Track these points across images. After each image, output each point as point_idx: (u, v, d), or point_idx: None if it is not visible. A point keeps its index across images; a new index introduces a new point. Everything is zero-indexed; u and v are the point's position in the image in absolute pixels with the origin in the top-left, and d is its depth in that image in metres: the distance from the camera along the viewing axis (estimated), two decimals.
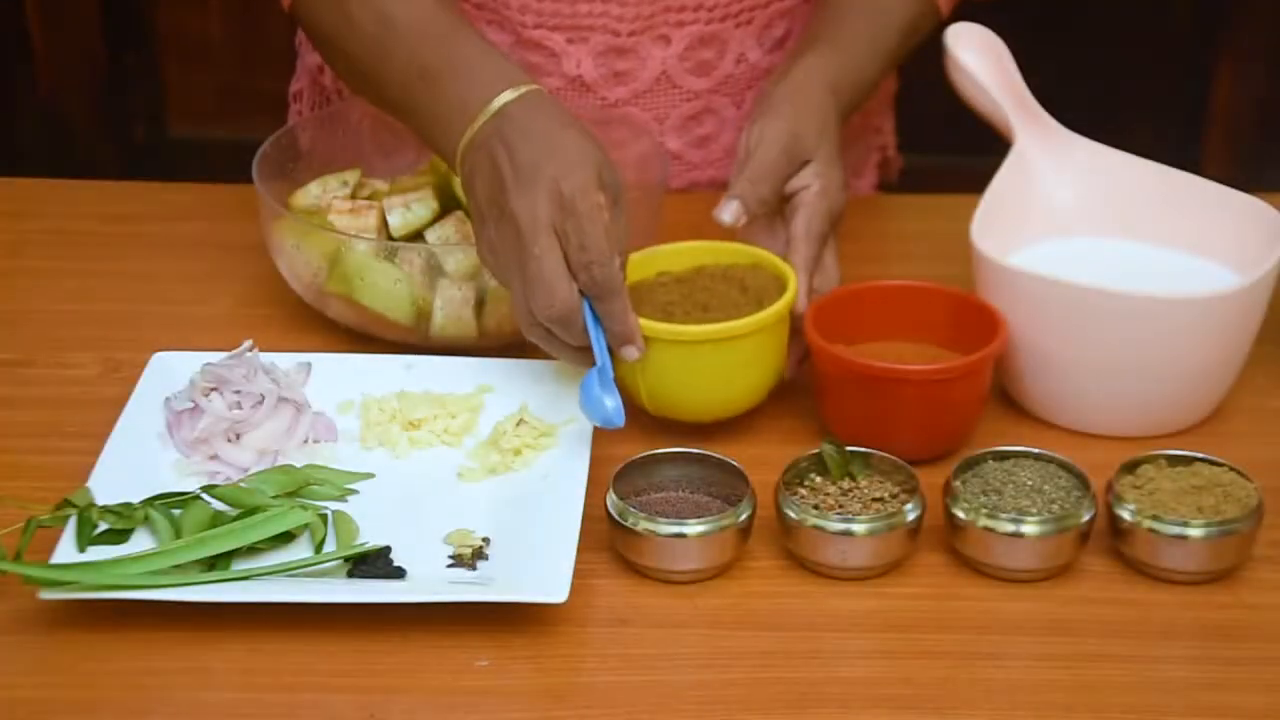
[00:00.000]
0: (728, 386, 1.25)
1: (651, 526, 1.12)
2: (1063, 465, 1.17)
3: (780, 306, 1.24)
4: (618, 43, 1.47)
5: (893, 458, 1.17)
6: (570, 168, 1.18)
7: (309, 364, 1.29)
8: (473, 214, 1.24)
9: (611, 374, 1.20)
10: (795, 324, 1.27)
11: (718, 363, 1.23)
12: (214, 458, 1.22)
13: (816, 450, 1.18)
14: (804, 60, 1.36)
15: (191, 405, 1.22)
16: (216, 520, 1.14)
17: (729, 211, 1.28)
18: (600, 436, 1.23)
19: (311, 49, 1.62)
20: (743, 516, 1.13)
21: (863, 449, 1.18)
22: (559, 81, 1.49)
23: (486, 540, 1.15)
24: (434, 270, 1.32)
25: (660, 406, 1.26)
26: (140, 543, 1.13)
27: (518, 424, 1.23)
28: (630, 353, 1.21)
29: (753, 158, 1.30)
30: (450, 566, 1.13)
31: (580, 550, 1.11)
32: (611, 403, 1.20)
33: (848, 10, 1.42)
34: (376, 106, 1.38)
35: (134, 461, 1.20)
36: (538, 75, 1.48)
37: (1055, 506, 1.14)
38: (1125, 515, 1.14)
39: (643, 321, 1.22)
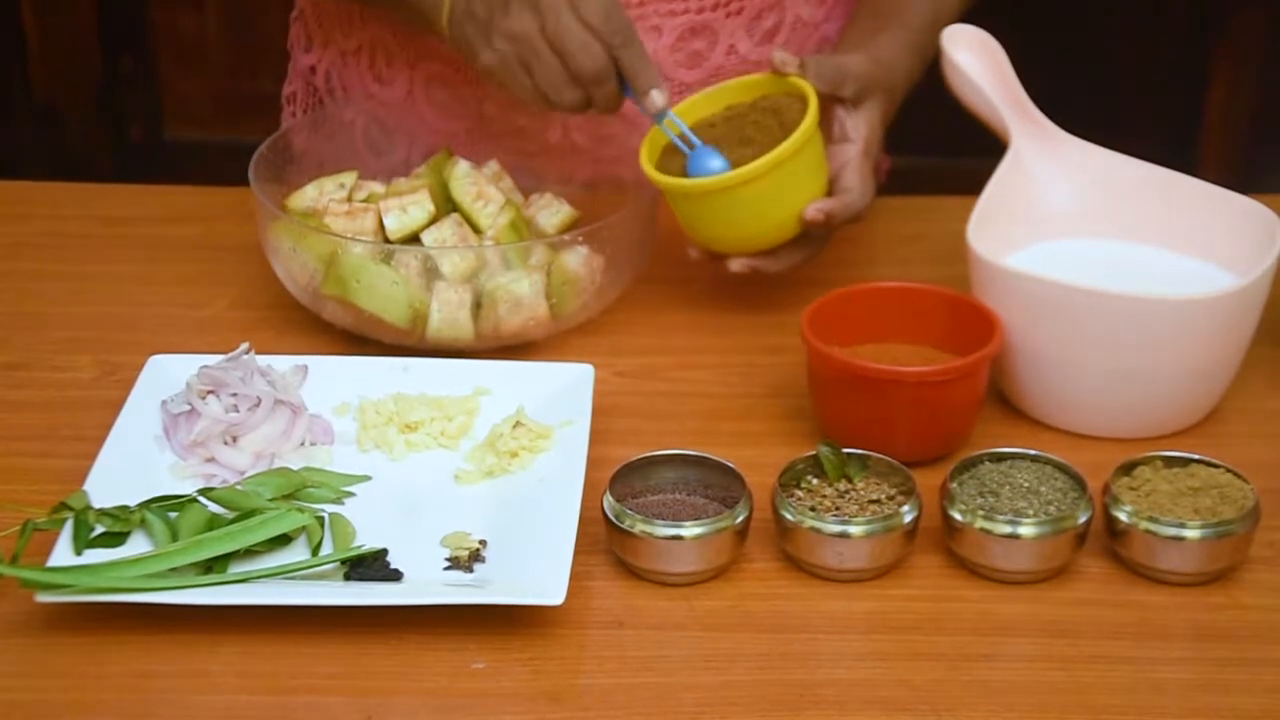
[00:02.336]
0: (741, 226, 1.34)
1: (648, 529, 1.12)
2: (1059, 467, 1.17)
3: (761, 163, 1.29)
4: None
5: (889, 459, 1.17)
6: None
7: (306, 366, 1.29)
8: (477, 38, 1.32)
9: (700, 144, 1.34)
10: (835, 173, 1.36)
11: (722, 207, 1.32)
12: (211, 460, 1.22)
13: (813, 452, 1.18)
14: (881, 41, 1.43)
15: (188, 408, 1.22)
16: (213, 523, 1.14)
17: (782, 55, 1.36)
18: (597, 439, 1.23)
19: (304, 50, 1.63)
20: (739, 518, 1.13)
21: (859, 451, 1.18)
22: None
23: (483, 542, 1.15)
24: (430, 273, 1.32)
25: (697, 241, 1.38)
26: (137, 546, 1.13)
27: (514, 426, 1.23)
28: (656, 97, 1.31)
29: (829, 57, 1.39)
30: (447, 569, 1.13)
31: (577, 552, 1.11)
32: (716, 162, 1.33)
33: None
34: (370, 5, 1.46)
35: (131, 464, 1.20)
36: None
37: (1052, 508, 1.14)
38: (1122, 517, 1.14)
39: (647, 170, 1.33)
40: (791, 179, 1.32)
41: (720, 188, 1.31)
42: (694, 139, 1.34)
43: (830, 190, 1.36)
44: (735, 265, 1.37)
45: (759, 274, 1.37)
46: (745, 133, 1.34)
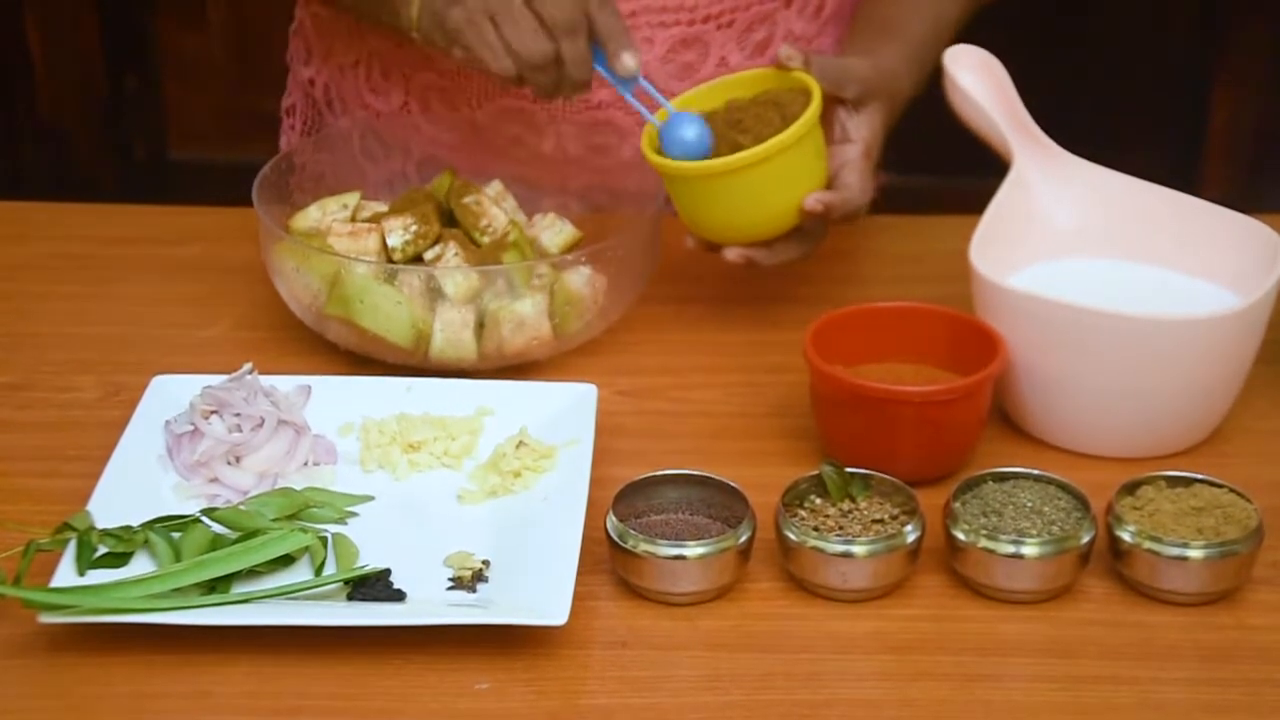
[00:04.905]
0: (739, 213, 1.34)
1: (651, 548, 1.12)
2: (1062, 486, 1.17)
3: (764, 148, 1.30)
4: None
5: (892, 479, 1.17)
6: None
7: (309, 386, 1.29)
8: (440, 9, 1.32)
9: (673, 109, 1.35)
10: (835, 172, 1.36)
11: (722, 192, 1.32)
12: (214, 481, 1.22)
13: (816, 472, 1.18)
14: (884, 52, 1.43)
15: (191, 428, 1.23)
16: (216, 543, 1.14)
17: (787, 50, 1.36)
18: (600, 459, 1.23)
19: (303, 63, 1.64)
20: (742, 538, 1.13)
21: (862, 470, 1.18)
22: None
23: (486, 563, 1.15)
24: (434, 292, 1.32)
25: (693, 229, 1.38)
26: (140, 566, 1.13)
27: (517, 446, 1.23)
28: (628, 60, 1.30)
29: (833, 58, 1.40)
30: (450, 589, 1.13)
31: (580, 572, 1.11)
32: (692, 132, 1.33)
33: (909, 7, 1.49)
34: (348, 13, 1.50)
35: (134, 485, 1.20)
36: None
37: (1055, 528, 1.14)
38: (1125, 536, 1.14)
39: (648, 155, 1.33)
40: (792, 167, 1.33)
41: (721, 171, 1.31)
42: (667, 105, 1.34)
43: (829, 187, 1.36)
44: (731, 254, 1.37)
45: (754, 265, 1.37)
46: (746, 123, 1.35)
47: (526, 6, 1.29)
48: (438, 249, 1.37)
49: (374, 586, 1.12)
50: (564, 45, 1.29)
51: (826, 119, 1.36)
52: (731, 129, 1.34)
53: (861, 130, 1.38)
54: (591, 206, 1.53)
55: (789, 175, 1.33)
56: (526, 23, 1.29)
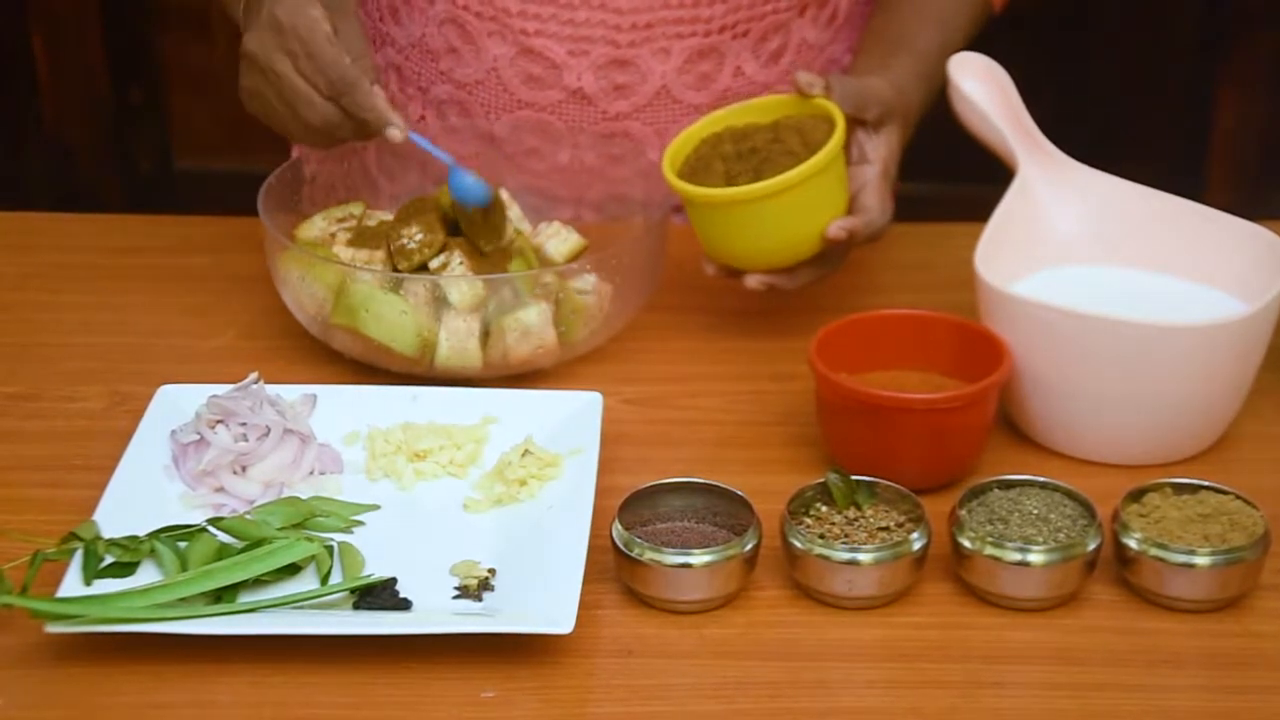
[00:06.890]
0: (763, 240, 1.34)
1: (657, 557, 1.12)
2: (1068, 494, 1.17)
3: (789, 176, 1.30)
4: (618, 54, 1.49)
5: (898, 487, 1.17)
6: None
7: (314, 396, 1.29)
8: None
9: (453, 161, 1.38)
10: (854, 194, 1.37)
11: (747, 220, 1.33)
12: (220, 490, 1.22)
13: (822, 479, 1.18)
14: (897, 69, 1.44)
15: (197, 438, 1.23)
16: (222, 553, 1.14)
17: (807, 76, 1.37)
18: (605, 467, 1.23)
19: None
20: (748, 546, 1.13)
21: (868, 478, 1.18)
22: (560, 94, 1.51)
23: (492, 571, 1.15)
24: (439, 301, 1.32)
25: (714, 255, 1.38)
26: (146, 575, 1.13)
27: (523, 455, 1.23)
28: (393, 134, 1.34)
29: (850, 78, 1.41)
30: (456, 598, 1.13)
31: (586, 581, 1.11)
32: (474, 182, 1.37)
33: (919, 21, 1.49)
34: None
35: (140, 494, 1.20)
36: (540, 88, 1.51)
37: (1061, 535, 1.14)
38: (1131, 544, 1.14)
39: (671, 180, 1.34)
40: (817, 195, 1.33)
41: (748, 199, 1.31)
42: (447, 159, 1.37)
43: (849, 210, 1.36)
44: (752, 281, 1.37)
45: (775, 291, 1.38)
46: (769, 150, 1.35)
47: (288, 109, 1.34)
48: (443, 258, 1.37)
49: (380, 595, 1.12)
50: (345, 102, 1.33)
51: (845, 140, 1.36)
52: (752, 155, 1.34)
53: (880, 151, 1.39)
54: (608, 217, 1.53)
55: (813, 202, 1.33)
56: (294, 123, 1.35)
